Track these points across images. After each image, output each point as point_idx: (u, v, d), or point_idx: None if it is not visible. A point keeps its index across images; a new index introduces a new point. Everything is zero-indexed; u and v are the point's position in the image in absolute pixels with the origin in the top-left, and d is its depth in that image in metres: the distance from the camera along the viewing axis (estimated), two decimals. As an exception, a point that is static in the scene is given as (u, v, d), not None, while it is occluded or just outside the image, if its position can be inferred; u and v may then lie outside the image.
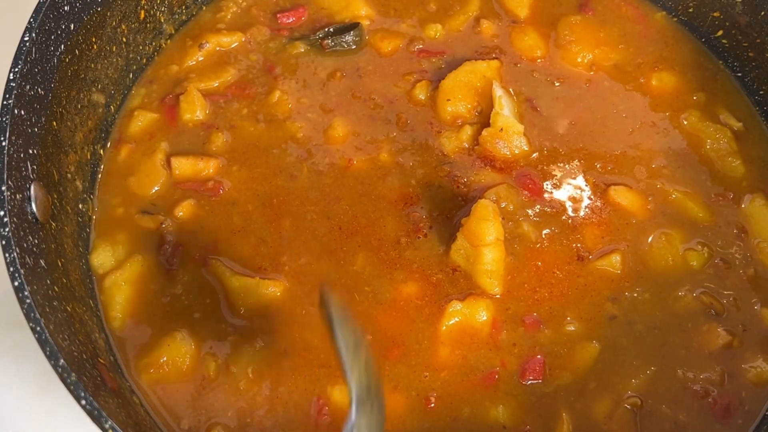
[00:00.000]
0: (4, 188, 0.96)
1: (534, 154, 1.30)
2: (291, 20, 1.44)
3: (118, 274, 1.17)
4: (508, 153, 1.28)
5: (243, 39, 1.41)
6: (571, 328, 1.16)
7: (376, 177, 1.27)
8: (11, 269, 0.93)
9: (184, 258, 1.20)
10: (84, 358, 0.99)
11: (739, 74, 1.42)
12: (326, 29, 1.41)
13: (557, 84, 1.38)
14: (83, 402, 0.88)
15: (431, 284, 1.17)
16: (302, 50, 1.40)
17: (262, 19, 1.45)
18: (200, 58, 1.40)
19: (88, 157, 1.26)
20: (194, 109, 1.31)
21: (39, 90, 1.08)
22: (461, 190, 1.26)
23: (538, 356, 1.13)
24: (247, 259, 1.19)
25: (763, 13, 1.34)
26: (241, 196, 1.25)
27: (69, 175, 1.19)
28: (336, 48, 1.39)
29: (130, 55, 1.34)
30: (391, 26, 1.44)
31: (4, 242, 0.94)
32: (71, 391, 0.89)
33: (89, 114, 1.26)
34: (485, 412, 1.10)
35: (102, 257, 1.20)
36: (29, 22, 1.07)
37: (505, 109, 1.29)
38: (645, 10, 1.49)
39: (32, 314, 0.91)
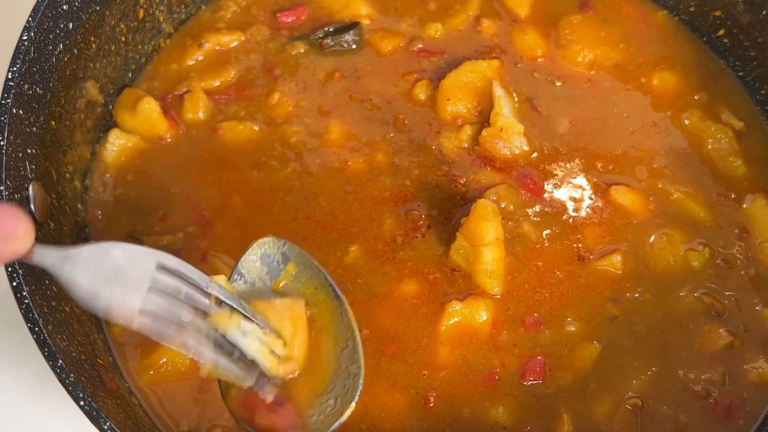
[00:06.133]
0: (2, 188, 0.96)
1: (534, 154, 1.30)
2: (291, 19, 1.44)
3: None
4: (508, 153, 1.28)
5: (243, 38, 1.41)
6: (572, 328, 1.15)
7: (366, 178, 1.26)
8: (9, 269, 0.92)
9: (185, 258, 1.19)
10: (83, 359, 0.99)
11: (741, 74, 1.41)
12: (326, 29, 1.40)
13: (558, 84, 1.38)
14: (82, 402, 0.88)
15: (428, 283, 1.17)
16: (302, 50, 1.39)
17: (262, 18, 1.44)
18: (200, 58, 1.39)
19: (87, 156, 1.26)
20: (197, 109, 1.31)
21: (37, 89, 1.08)
22: (460, 189, 1.25)
23: (539, 357, 1.13)
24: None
25: (764, 12, 1.34)
26: (230, 198, 1.25)
27: (68, 175, 1.19)
28: (336, 48, 1.39)
29: (129, 54, 1.34)
30: (391, 25, 1.43)
31: (2, 242, 0.93)
32: (69, 392, 0.89)
33: (88, 113, 1.25)
34: (485, 413, 1.10)
35: None
36: (27, 21, 1.06)
37: (505, 109, 1.28)
38: (646, 10, 1.48)
39: (30, 314, 0.91)
